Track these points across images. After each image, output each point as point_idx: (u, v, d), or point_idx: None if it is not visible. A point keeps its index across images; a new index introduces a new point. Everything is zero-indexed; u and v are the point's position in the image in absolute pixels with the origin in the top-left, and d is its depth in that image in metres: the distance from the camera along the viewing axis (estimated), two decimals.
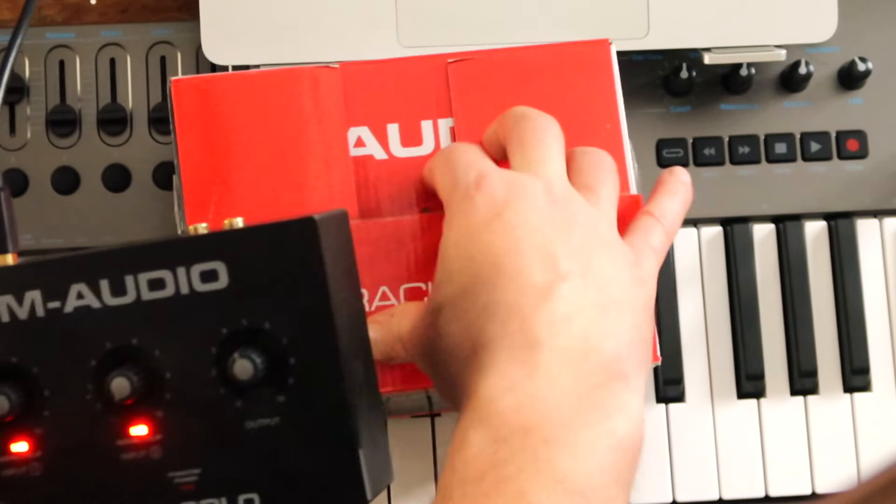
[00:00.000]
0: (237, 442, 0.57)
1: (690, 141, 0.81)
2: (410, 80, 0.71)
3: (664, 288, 0.78)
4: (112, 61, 0.81)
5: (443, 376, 0.62)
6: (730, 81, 0.80)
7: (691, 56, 0.79)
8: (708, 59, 0.77)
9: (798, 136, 0.81)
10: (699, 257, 0.80)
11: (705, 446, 0.78)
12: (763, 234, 0.80)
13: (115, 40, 0.81)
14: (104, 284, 0.57)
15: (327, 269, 0.56)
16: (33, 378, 0.57)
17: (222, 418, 0.57)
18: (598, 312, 0.59)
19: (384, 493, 0.76)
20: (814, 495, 0.77)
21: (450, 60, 0.71)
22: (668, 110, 0.81)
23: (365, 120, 0.71)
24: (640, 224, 0.66)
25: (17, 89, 0.80)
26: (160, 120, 0.79)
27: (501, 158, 0.66)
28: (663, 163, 0.80)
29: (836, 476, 0.78)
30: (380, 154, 0.71)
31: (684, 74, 0.79)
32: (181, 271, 0.57)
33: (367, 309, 0.66)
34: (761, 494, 0.78)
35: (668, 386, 0.78)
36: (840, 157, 0.81)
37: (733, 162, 0.81)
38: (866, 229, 0.80)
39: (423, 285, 0.68)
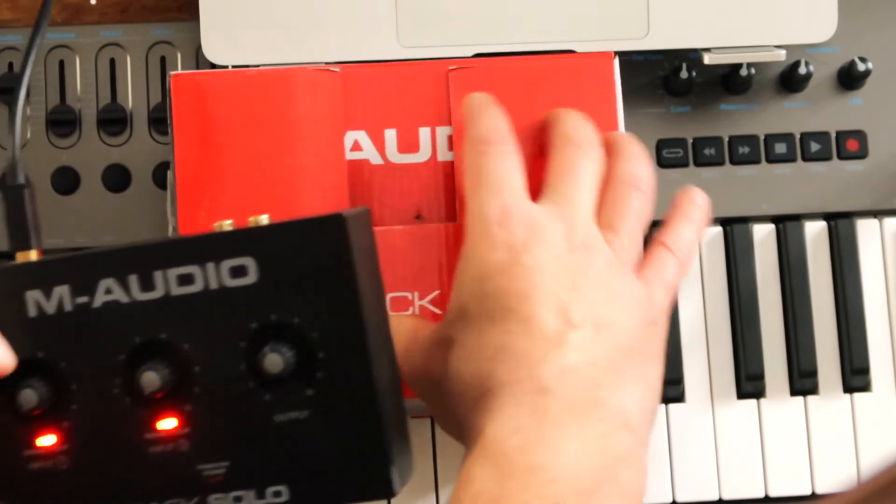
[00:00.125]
0: (266, 435, 0.57)
1: (690, 141, 0.81)
2: (411, 85, 0.71)
3: None
4: (112, 61, 0.81)
5: (446, 412, 0.64)
6: (730, 81, 0.80)
7: (691, 56, 0.79)
8: (708, 59, 0.77)
9: (798, 137, 0.81)
10: (699, 257, 0.80)
11: (705, 446, 0.78)
12: (763, 235, 0.80)
13: (115, 40, 0.81)
14: (133, 280, 0.58)
15: (356, 265, 0.57)
16: (60, 372, 0.58)
17: (251, 411, 0.57)
18: (608, 363, 0.60)
19: None
20: (814, 495, 0.77)
21: (451, 68, 0.71)
22: (668, 110, 0.81)
23: (363, 124, 0.71)
24: (654, 258, 0.67)
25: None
26: (160, 120, 0.79)
27: (532, 155, 0.66)
28: (663, 163, 0.80)
29: (836, 476, 0.78)
30: (376, 159, 0.71)
31: (684, 74, 0.79)
32: (210, 266, 0.57)
33: None
34: (761, 494, 0.78)
35: (668, 386, 0.78)
36: (840, 157, 0.81)
37: (733, 162, 0.81)
38: (866, 229, 0.80)
39: (409, 295, 0.68)
